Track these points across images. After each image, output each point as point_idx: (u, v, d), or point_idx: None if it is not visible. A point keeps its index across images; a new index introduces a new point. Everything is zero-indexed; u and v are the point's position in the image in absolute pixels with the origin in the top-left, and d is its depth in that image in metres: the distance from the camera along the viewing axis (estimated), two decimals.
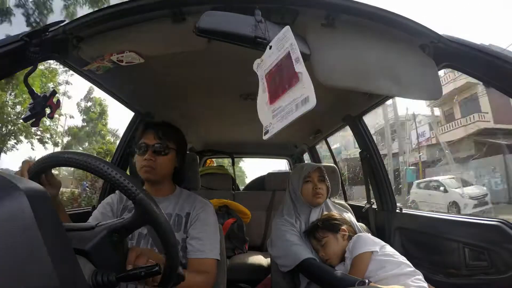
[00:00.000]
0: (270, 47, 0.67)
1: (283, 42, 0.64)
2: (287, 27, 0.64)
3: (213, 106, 1.84)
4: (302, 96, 0.57)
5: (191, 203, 1.05)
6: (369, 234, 1.23)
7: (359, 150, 1.77)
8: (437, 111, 16.54)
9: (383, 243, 1.10)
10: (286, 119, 0.60)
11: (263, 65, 0.69)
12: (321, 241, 1.12)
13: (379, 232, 1.59)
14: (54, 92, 0.81)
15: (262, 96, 0.67)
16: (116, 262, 0.56)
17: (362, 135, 1.73)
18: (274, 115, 0.63)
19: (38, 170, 0.60)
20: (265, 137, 0.64)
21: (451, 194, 10.30)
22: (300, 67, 0.59)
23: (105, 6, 0.83)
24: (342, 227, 1.14)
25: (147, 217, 0.54)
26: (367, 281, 0.91)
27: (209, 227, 1.02)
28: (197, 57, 1.13)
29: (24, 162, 0.64)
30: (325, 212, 1.29)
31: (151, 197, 0.54)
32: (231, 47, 0.74)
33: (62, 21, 0.83)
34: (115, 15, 0.81)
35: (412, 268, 0.99)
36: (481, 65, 0.83)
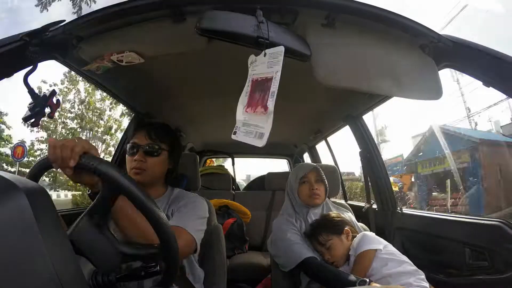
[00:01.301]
0: (265, 55, 0.68)
1: (274, 62, 0.65)
2: (282, 49, 0.64)
3: (213, 106, 1.84)
4: (261, 130, 0.60)
5: (180, 199, 1.02)
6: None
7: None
8: None
9: (386, 242, 1.10)
10: (245, 138, 0.64)
11: (255, 66, 0.70)
12: (326, 245, 1.12)
13: (379, 232, 1.58)
14: (54, 92, 0.81)
15: (243, 98, 0.70)
16: (105, 245, 0.55)
17: (362, 135, 1.73)
18: (244, 123, 0.66)
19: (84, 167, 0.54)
20: (232, 136, 0.67)
21: None
22: (271, 103, 0.61)
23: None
24: (345, 228, 1.14)
25: (113, 185, 0.51)
26: (368, 280, 0.91)
27: (188, 209, 0.96)
28: (197, 57, 1.13)
29: (81, 141, 0.56)
30: (325, 212, 1.29)
31: (110, 164, 0.52)
32: (231, 47, 0.74)
33: (62, 21, 0.83)
34: (115, 15, 0.81)
35: (414, 267, 0.99)
36: (481, 65, 0.83)
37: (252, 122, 0.63)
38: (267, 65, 0.66)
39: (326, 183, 1.31)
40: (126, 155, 0.99)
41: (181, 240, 0.77)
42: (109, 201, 0.55)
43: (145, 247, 0.59)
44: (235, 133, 0.67)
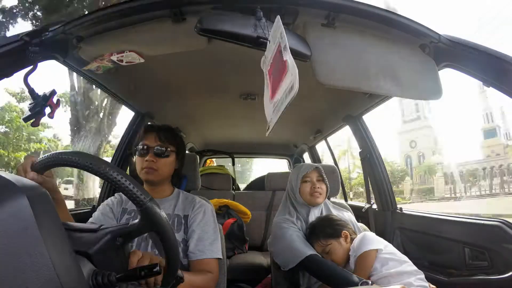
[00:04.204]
0: (269, 41, 0.67)
1: (276, 33, 0.64)
2: (278, 17, 0.63)
3: (213, 106, 1.84)
4: (289, 84, 0.58)
5: (190, 204, 1.06)
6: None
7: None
8: None
9: (386, 242, 1.10)
10: (279, 110, 0.61)
11: (266, 61, 0.69)
12: (326, 249, 1.12)
13: (379, 232, 1.58)
14: (54, 92, 0.80)
15: (266, 92, 0.68)
16: (117, 264, 0.56)
17: (362, 135, 1.73)
18: (274, 109, 0.64)
19: (42, 167, 0.59)
20: (267, 133, 0.65)
21: None
22: (286, 54, 0.59)
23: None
24: (343, 231, 1.14)
25: (154, 225, 0.55)
26: (370, 282, 0.91)
27: (208, 226, 1.02)
28: (197, 57, 1.13)
29: (26, 158, 0.63)
30: (325, 212, 1.29)
31: (158, 205, 0.54)
32: (231, 47, 0.74)
33: (62, 21, 0.83)
34: (115, 15, 0.81)
35: (415, 267, 0.99)
36: (481, 65, 0.83)
37: (280, 95, 0.61)
38: (272, 42, 0.65)
39: (327, 182, 1.31)
40: (136, 156, 1.03)
41: (218, 268, 0.98)
42: (140, 233, 0.58)
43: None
44: (268, 128, 0.66)
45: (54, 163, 0.56)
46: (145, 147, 1.01)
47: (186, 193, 1.13)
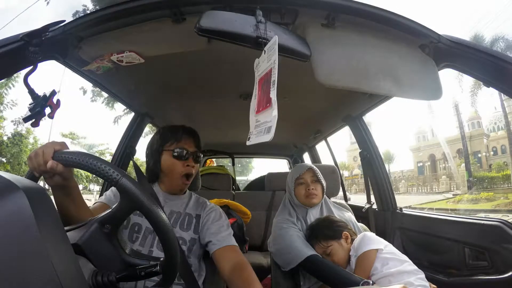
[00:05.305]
0: (265, 52, 0.68)
1: (271, 54, 0.65)
2: (275, 38, 0.64)
3: (213, 106, 1.84)
4: (268, 124, 0.60)
5: (201, 206, 1.09)
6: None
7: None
8: None
9: (386, 242, 1.10)
10: (258, 138, 0.63)
11: (259, 67, 0.70)
12: (326, 250, 1.12)
13: (379, 232, 1.58)
14: (54, 92, 0.80)
15: (253, 101, 0.69)
16: (111, 253, 0.55)
17: (362, 135, 1.73)
18: (256, 125, 0.65)
19: (63, 162, 0.57)
20: (247, 143, 0.67)
21: None
22: (273, 93, 0.60)
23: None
24: (344, 232, 1.14)
25: (132, 202, 0.52)
26: (371, 282, 0.91)
27: (223, 223, 1.06)
28: (197, 57, 1.13)
29: (49, 145, 0.60)
30: (325, 212, 1.29)
31: (134, 181, 0.52)
32: (231, 47, 0.74)
33: (62, 21, 0.82)
34: (115, 15, 0.81)
35: (415, 267, 0.99)
36: (481, 65, 0.83)
37: (261, 120, 0.63)
38: (266, 60, 0.66)
39: (323, 182, 1.31)
40: (173, 159, 1.02)
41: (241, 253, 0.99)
42: (125, 214, 0.56)
43: (148, 259, 0.59)
44: (249, 139, 0.67)
45: (72, 162, 0.55)
46: (186, 151, 1.03)
47: (197, 195, 1.16)
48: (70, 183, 0.65)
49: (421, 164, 35.56)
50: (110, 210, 0.55)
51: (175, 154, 1.02)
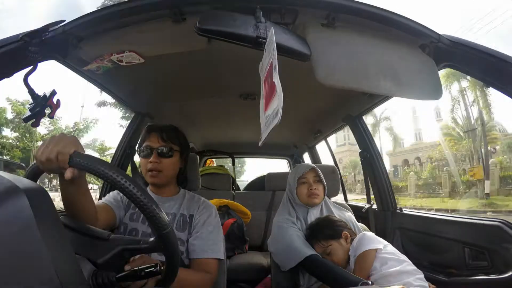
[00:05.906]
0: (265, 50, 0.68)
1: (270, 45, 0.65)
2: (272, 31, 0.64)
3: (213, 106, 1.84)
4: (275, 110, 0.59)
5: (195, 205, 1.06)
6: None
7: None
8: None
9: (386, 242, 1.10)
10: (267, 129, 0.63)
11: (262, 67, 0.70)
12: (326, 250, 1.12)
13: (379, 232, 1.58)
14: (54, 92, 0.80)
15: (262, 102, 0.69)
16: (116, 268, 0.57)
17: (362, 135, 1.73)
18: (266, 122, 0.65)
19: (78, 167, 0.54)
20: (260, 143, 0.66)
21: None
22: (275, 77, 0.60)
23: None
24: (344, 231, 1.14)
25: (167, 250, 0.57)
26: (370, 282, 0.91)
27: (212, 227, 1.03)
28: (197, 57, 1.13)
29: (65, 147, 0.56)
30: (325, 212, 1.29)
31: (174, 233, 0.56)
32: (231, 47, 0.74)
33: (62, 21, 0.82)
34: (115, 15, 0.81)
35: (414, 267, 0.99)
36: (481, 65, 0.83)
37: (270, 112, 0.62)
38: (267, 52, 0.66)
39: (325, 182, 1.31)
40: (140, 158, 1.03)
41: (218, 269, 0.99)
42: (149, 253, 0.63)
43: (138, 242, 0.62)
44: (260, 139, 0.67)
45: (89, 168, 0.53)
46: (148, 148, 1.00)
47: (191, 193, 1.13)
48: (83, 177, 0.65)
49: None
50: (140, 242, 0.59)
51: (141, 154, 1.03)
